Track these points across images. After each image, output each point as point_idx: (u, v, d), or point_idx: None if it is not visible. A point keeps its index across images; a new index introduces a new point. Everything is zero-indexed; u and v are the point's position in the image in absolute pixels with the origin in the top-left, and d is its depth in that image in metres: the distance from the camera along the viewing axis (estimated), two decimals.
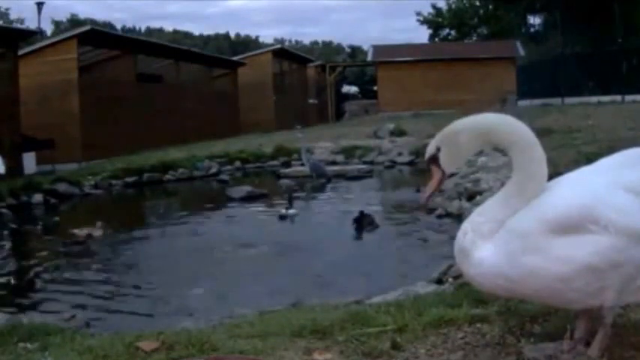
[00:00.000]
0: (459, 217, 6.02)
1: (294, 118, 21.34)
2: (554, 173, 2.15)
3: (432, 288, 3.63)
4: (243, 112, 23.86)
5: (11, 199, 9.17)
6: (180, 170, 11.82)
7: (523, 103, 20.08)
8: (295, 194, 8.47)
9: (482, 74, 25.27)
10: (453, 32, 38.60)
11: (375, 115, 25.87)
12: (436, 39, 38.49)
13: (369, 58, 29.11)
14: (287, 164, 12.48)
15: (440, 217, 6.83)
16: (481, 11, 38.25)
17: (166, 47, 21.82)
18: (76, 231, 6.80)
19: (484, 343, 2.25)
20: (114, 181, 11.07)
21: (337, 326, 2.47)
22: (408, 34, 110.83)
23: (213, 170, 12.14)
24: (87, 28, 17.64)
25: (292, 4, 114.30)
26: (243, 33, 70.81)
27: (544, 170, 2.02)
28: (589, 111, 12.87)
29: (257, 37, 69.18)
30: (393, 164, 12.13)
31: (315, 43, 68.81)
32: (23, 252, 6.67)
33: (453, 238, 2.12)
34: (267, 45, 40.03)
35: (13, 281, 5.40)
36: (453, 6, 38.37)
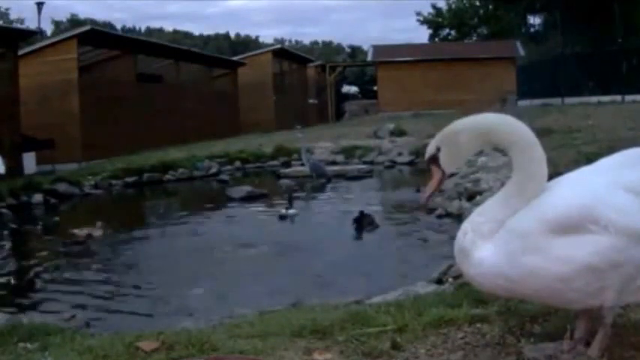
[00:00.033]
0: (459, 217, 6.02)
1: (294, 118, 21.34)
2: (554, 173, 2.16)
3: (432, 288, 3.63)
4: (243, 112, 23.86)
5: (11, 199, 9.17)
6: (180, 170, 11.82)
7: (523, 103, 20.08)
8: (295, 194, 8.47)
9: (482, 74, 25.27)
10: (453, 32, 38.61)
11: (375, 115, 25.88)
12: (436, 39, 38.50)
13: (369, 58, 29.12)
14: (287, 164, 12.48)
15: (440, 217, 6.83)
16: (481, 11, 38.26)
17: (166, 47, 21.82)
18: (76, 231, 6.80)
19: (484, 343, 2.25)
20: (114, 181, 11.07)
21: (337, 326, 2.47)
22: (408, 34, 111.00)
23: (213, 170, 12.14)
24: (87, 28, 17.64)
25: (292, 4, 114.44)
26: (243, 33, 70.95)
27: (544, 170, 2.02)
28: (589, 111, 12.87)
29: (257, 37, 69.30)
30: (393, 164, 12.13)
31: (315, 43, 68.89)
32: (23, 252, 6.67)
33: (453, 238, 2.12)
34: (267, 45, 40.04)
35: (13, 281, 5.40)
36: (453, 6, 38.37)
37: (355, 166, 11.81)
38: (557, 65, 19.94)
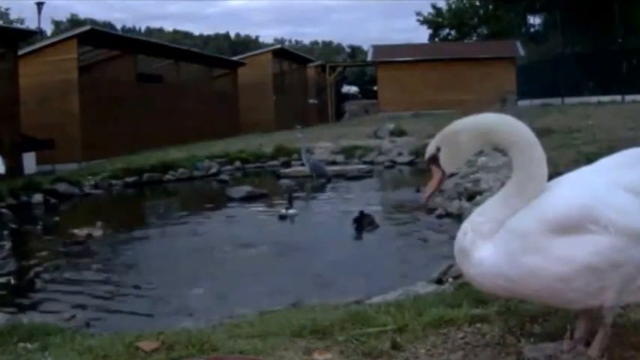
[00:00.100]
0: (459, 217, 6.02)
1: (294, 118, 21.33)
2: (554, 173, 2.16)
3: (432, 288, 3.63)
4: (243, 112, 23.86)
5: (11, 199, 9.17)
6: (180, 170, 11.82)
7: (523, 103, 20.08)
8: (295, 194, 8.47)
9: (482, 74, 25.27)
10: (453, 32, 38.62)
11: (375, 115, 25.88)
12: (436, 39, 38.50)
13: (369, 58, 29.12)
14: (287, 164, 12.48)
15: (440, 217, 6.83)
16: (481, 11, 38.26)
17: (166, 47, 21.82)
18: (76, 231, 6.80)
19: (484, 343, 2.25)
20: (114, 181, 11.07)
21: (337, 326, 2.47)
22: (408, 34, 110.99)
23: (213, 170, 12.14)
24: (87, 28, 17.64)
25: (292, 4, 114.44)
26: (243, 33, 70.91)
27: (544, 170, 2.02)
28: (589, 111, 12.87)
29: (257, 37, 69.29)
30: (393, 164, 12.13)
31: (315, 43, 68.89)
32: (23, 252, 6.67)
33: (453, 238, 2.12)
34: (267, 45, 40.04)
35: (13, 281, 5.40)
36: (453, 6, 38.38)
37: (355, 166, 11.81)
38: (557, 65, 19.94)
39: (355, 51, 51.91)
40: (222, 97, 23.18)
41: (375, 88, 29.68)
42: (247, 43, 60.14)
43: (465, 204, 6.67)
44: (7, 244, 6.91)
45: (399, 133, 14.52)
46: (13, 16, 37.26)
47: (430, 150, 2.10)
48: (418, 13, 38.93)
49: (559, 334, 2.14)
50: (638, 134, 7.95)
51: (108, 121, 15.74)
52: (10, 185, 9.41)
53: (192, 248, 6.29)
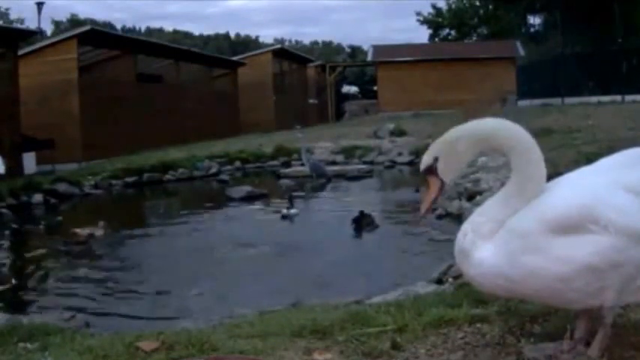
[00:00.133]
0: (459, 217, 6.02)
1: (294, 118, 21.33)
2: (554, 173, 2.16)
3: (432, 288, 3.63)
4: (243, 112, 23.86)
5: (11, 199, 9.17)
6: (180, 170, 11.83)
7: (523, 103, 20.08)
8: (295, 194, 8.47)
9: (482, 74, 25.27)
10: (453, 32, 38.62)
11: (375, 115, 25.88)
12: (436, 39, 38.51)
13: (369, 58, 29.13)
14: (287, 164, 12.48)
15: (440, 217, 6.82)
16: (481, 11, 38.27)
17: (166, 47, 21.81)
18: (77, 230, 6.78)
19: (484, 343, 2.25)
20: (114, 181, 11.07)
21: (337, 326, 2.47)
22: (408, 34, 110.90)
23: (213, 170, 12.14)
24: (87, 28, 17.63)
25: (292, 4, 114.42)
26: (243, 33, 70.92)
27: (542, 171, 2.02)
28: (589, 111, 12.87)
29: (257, 37, 69.27)
30: (393, 164, 12.13)
31: (315, 43, 68.88)
32: (24, 252, 6.66)
33: (453, 238, 2.12)
34: (267, 45, 40.04)
35: (13, 281, 5.40)
36: (453, 6, 38.39)
37: (355, 166, 11.81)
38: (557, 65, 19.94)
39: (355, 51, 51.91)
40: (222, 97, 23.18)
41: (375, 88, 29.68)
42: (247, 43, 60.14)
43: (465, 204, 6.67)
44: (8, 244, 6.91)
45: (399, 133, 14.52)
46: (13, 16, 37.27)
47: (426, 160, 2.08)
48: (418, 13, 39.02)
49: (559, 334, 2.14)
50: (638, 134, 7.95)
51: (108, 121, 15.73)
52: (10, 185, 9.40)
53: (192, 248, 6.29)
